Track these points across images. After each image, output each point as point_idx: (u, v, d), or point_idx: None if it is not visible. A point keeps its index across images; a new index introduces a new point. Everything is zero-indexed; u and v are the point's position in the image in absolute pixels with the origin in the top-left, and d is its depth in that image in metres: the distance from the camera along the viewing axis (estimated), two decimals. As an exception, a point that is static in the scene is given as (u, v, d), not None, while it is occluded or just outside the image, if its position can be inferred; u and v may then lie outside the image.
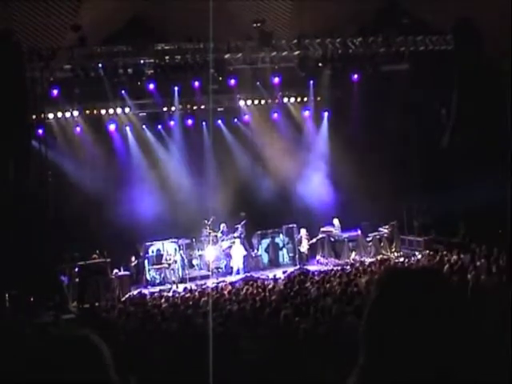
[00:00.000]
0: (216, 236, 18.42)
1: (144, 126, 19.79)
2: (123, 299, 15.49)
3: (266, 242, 19.26)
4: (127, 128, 19.45)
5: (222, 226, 18.58)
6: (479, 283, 11.04)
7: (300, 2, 16.76)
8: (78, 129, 18.74)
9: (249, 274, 17.34)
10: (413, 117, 18.69)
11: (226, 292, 13.99)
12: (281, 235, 19.39)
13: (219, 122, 20.42)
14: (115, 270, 16.89)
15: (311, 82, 19.89)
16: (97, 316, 12.88)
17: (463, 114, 17.15)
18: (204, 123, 19.92)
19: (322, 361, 7.14)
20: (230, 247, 18.30)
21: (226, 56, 17.56)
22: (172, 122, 19.92)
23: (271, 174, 20.24)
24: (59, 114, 18.13)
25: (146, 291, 16.38)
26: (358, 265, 16.46)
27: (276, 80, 18.92)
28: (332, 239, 18.92)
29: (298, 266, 18.08)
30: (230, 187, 19.15)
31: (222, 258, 18.35)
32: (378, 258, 18.00)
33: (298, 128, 21.09)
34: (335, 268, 16.66)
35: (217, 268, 18.02)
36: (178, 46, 17.25)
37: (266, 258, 19.18)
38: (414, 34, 18.17)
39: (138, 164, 19.53)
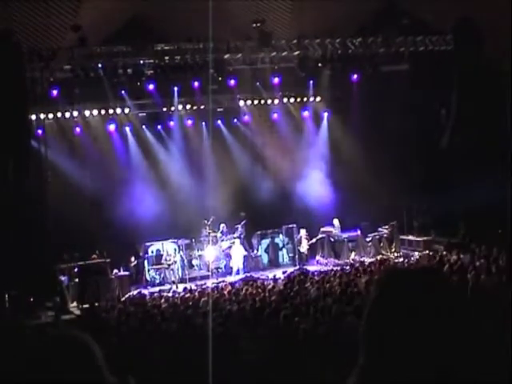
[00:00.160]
0: (216, 236, 18.41)
1: (144, 127, 19.78)
2: (123, 299, 15.48)
3: (265, 242, 19.26)
4: (127, 128, 19.43)
5: (222, 226, 18.57)
6: (479, 283, 11.04)
7: (300, 2, 16.77)
8: (78, 129, 18.73)
9: (248, 275, 17.34)
10: (413, 117, 18.68)
11: (225, 292, 13.99)
12: (280, 235, 19.39)
13: (219, 122, 20.41)
14: (115, 270, 16.90)
15: (311, 82, 19.89)
16: (96, 316, 12.88)
17: (463, 115, 17.16)
18: (204, 123, 19.90)
19: (322, 361, 7.14)
20: (230, 247, 18.30)
21: (226, 56, 17.57)
22: (172, 123, 19.91)
23: (271, 174, 20.24)
24: (59, 114, 18.11)
25: (145, 291, 16.39)
26: (357, 265, 16.46)
27: (276, 80, 18.92)
28: (332, 239, 18.92)
29: (297, 267, 18.08)
30: (229, 187, 19.14)
31: (221, 258, 18.35)
32: (378, 258, 18.02)
33: (297, 128, 21.10)
34: (335, 268, 16.67)
35: (216, 268, 18.02)
36: (177, 47, 17.25)
37: (265, 259, 19.18)
38: (413, 34, 18.18)
39: (138, 164, 19.51)
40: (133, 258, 18.01)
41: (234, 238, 18.47)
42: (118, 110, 18.70)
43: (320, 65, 18.41)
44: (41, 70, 15.94)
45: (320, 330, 8.45)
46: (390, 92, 18.49)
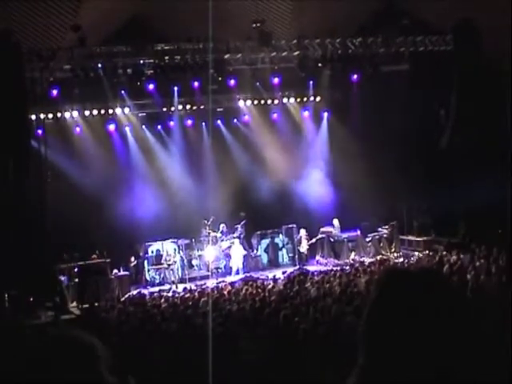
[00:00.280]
0: (215, 236, 18.41)
1: (144, 126, 19.78)
2: (123, 299, 15.49)
3: (265, 242, 19.27)
4: (127, 128, 19.43)
5: (222, 226, 18.57)
6: (479, 283, 11.05)
7: (300, 2, 16.76)
8: (78, 129, 18.74)
9: (248, 275, 17.34)
10: (413, 117, 18.66)
11: (225, 292, 14.00)
12: (280, 235, 19.40)
13: (219, 122, 20.42)
14: (115, 270, 16.90)
15: (311, 82, 19.90)
16: (96, 316, 12.88)
17: (463, 114, 17.15)
18: (204, 123, 19.91)
19: (322, 361, 7.14)
20: (230, 247, 18.30)
21: (226, 56, 17.54)
22: (172, 123, 19.91)
23: (271, 174, 20.24)
24: (59, 114, 18.12)
25: (145, 291, 16.39)
26: (357, 265, 16.46)
27: (276, 80, 18.90)
28: (331, 239, 18.92)
29: (297, 267, 18.08)
30: (229, 187, 19.13)
31: (221, 258, 18.35)
32: (378, 258, 18.02)
33: (297, 128, 21.10)
34: (335, 268, 16.68)
35: (216, 268, 18.02)
36: (177, 46, 17.23)
37: (265, 259, 19.19)
38: (413, 34, 18.15)
39: (138, 164, 19.53)
40: (133, 258, 18.02)
41: (234, 237, 18.48)
42: (118, 110, 18.71)
43: (320, 65, 18.38)
44: (40, 70, 15.92)
45: (320, 330, 8.45)
46: (390, 92, 18.48)
